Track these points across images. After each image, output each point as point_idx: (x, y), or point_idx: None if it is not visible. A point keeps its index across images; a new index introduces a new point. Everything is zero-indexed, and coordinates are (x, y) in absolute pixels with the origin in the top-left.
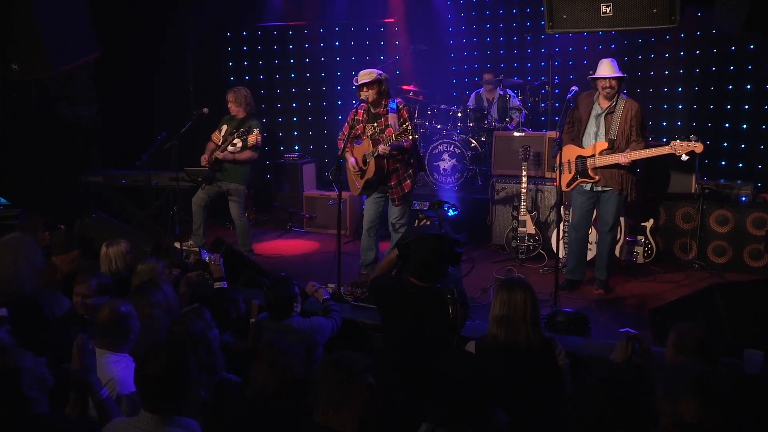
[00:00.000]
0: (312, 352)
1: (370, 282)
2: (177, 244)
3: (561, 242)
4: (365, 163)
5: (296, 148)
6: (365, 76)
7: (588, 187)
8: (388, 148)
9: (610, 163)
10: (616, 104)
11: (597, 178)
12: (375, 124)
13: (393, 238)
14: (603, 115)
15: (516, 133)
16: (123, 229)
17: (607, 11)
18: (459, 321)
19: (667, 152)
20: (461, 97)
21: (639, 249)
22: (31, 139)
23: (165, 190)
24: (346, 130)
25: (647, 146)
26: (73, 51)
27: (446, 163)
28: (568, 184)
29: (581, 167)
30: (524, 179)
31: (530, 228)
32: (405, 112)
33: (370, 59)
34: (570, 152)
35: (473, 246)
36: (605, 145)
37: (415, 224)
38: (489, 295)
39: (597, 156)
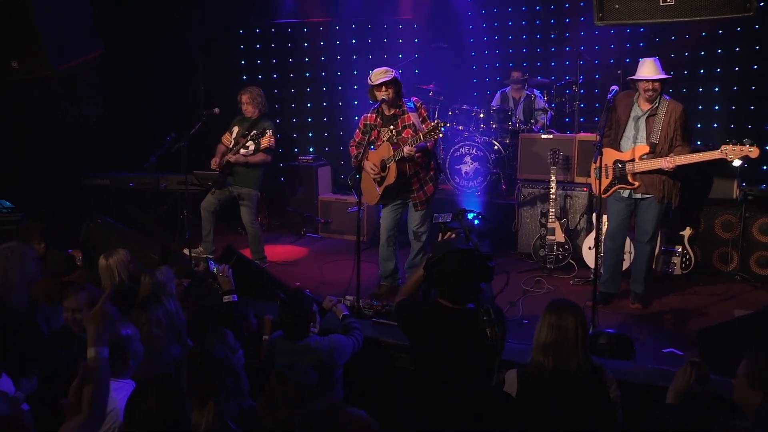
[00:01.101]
0: (330, 373)
1: (395, 306)
2: (186, 251)
3: (593, 252)
4: (384, 168)
5: (311, 150)
6: (382, 74)
7: (626, 193)
8: (414, 149)
9: (651, 168)
10: (658, 106)
11: (636, 184)
12: (391, 126)
13: (414, 246)
14: (644, 117)
15: (543, 136)
16: (129, 235)
17: (669, 0)
18: (499, 344)
19: (717, 157)
20: (481, 97)
21: (676, 260)
22: (33, 140)
23: (173, 194)
24: (357, 136)
25: (693, 151)
26: (75, 48)
27: (468, 167)
28: (605, 191)
29: (619, 172)
30: (553, 184)
31: (559, 236)
32: (423, 111)
33: (388, 58)
34: (607, 156)
35: (497, 254)
36: (646, 149)
37: (439, 239)
38: (518, 309)
39: (637, 161)
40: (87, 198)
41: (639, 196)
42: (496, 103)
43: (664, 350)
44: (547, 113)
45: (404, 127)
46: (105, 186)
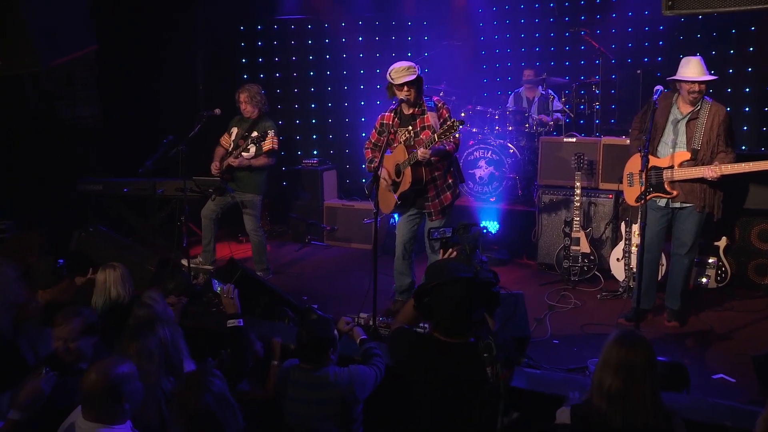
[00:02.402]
0: (350, 410)
1: (390, 334)
2: (184, 262)
3: (621, 263)
4: (399, 174)
5: (315, 153)
6: (405, 72)
7: (662, 202)
8: (429, 152)
9: (692, 176)
10: (699, 109)
11: (675, 193)
12: (409, 127)
13: (431, 258)
14: (684, 121)
15: (566, 139)
16: (124, 245)
17: None
18: (502, 385)
19: None
20: (493, 97)
21: (711, 272)
22: (24, 142)
23: (171, 201)
24: (373, 137)
25: (738, 157)
26: (67, 44)
27: (483, 171)
28: (638, 199)
29: (656, 180)
30: (578, 191)
31: (584, 246)
32: (445, 111)
33: (396, 56)
34: (641, 162)
35: (516, 265)
36: (687, 156)
37: (440, 255)
38: (545, 327)
39: (676, 168)
40: (80, 204)
41: (678, 205)
42: (510, 104)
43: (714, 376)
44: (564, 115)
45: (423, 129)
46: (99, 192)
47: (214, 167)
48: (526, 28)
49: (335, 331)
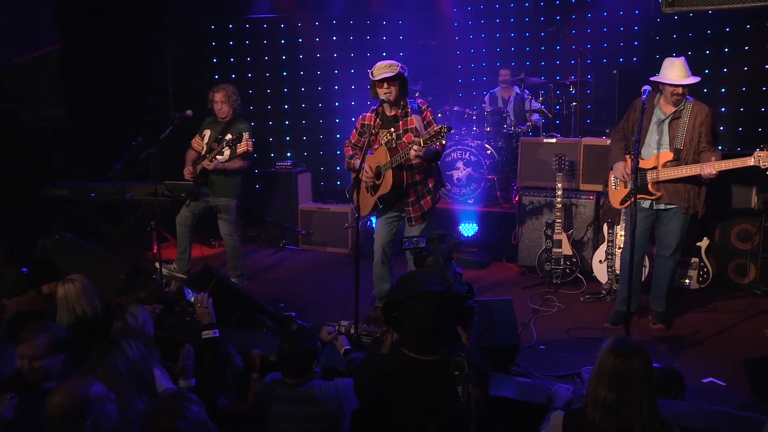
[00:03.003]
0: (337, 426)
1: (359, 362)
2: (156, 268)
3: (603, 265)
4: (379, 176)
5: (288, 155)
6: (385, 69)
7: (647, 204)
8: (423, 152)
9: (681, 176)
10: (682, 109)
11: (659, 194)
12: (391, 129)
13: (411, 264)
14: (667, 121)
15: (546, 140)
16: (92, 252)
17: None
18: (474, 405)
19: (748, 165)
20: (467, 97)
21: (693, 273)
22: None
23: (141, 205)
24: (354, 138)
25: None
26: (28, 42)
27: (461, 173)
28: (622, 201)
29: (640, 181)
30: (559, 192)
31: (566, 249)
32: (429, 114)
33: (371, 56)
34: (625, 164)
35: (496, 268)
36: (670, 156)
37: (419, 261)
38: (531, 332)
39: (660, 169)
40: (45, 210)
41: (662, 206)
42: (485, 104)
43: (704, 380)
44: (543, 114)
45: (405, 131)
46: (65, 197)
47: (187, 171)
48: (501, 28)
49: (318, 342)
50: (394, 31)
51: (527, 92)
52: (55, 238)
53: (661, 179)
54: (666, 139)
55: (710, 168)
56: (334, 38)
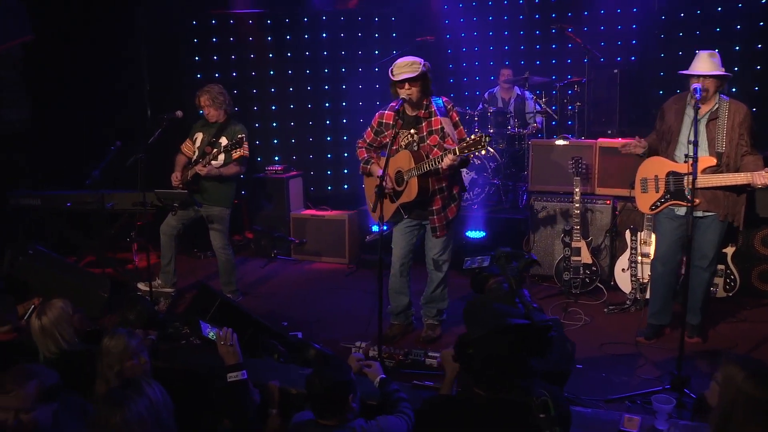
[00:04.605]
0: None
1: (422, 404)
2: (141, 286)
3: (626, 274)
4: (400, 182)
5: (276, 159)
6: (406, 68)
7: (681, 211)
8: (458, 160)
9: (726, 184)
10: (718, 108)
11: (698, 201)
12: (413, 131)
13: (433, 278)
14: (703, 121)
15: (558, 142)
16: (70, 267)
17: None
18: None
19: None
20: (458, 98)
21: (719, 281)
22: None
23: (123, 215)
24: (368, 137)
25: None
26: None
27: (464, 177)
28: (653, 206)
29: (675, 186)
30: (577, 197)
31: (586, 257)
32: (455, 114)
33: (362, 54)
34: (657, 167)
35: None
36: (712, 162)
37: (478, 283)
38: None
39: (701, 175)
40: (13, 220)
41: (700, 214)
42: (484, 105)
43: None
44: (547, 116)
45: (430, 133)
46: (37, 206)
47: (175, 177)
48: (494, 26)
49: (352, 373)
50: (387, 28)
51: (528, 93)
52: (29, 255)
53: (699, 186)
54: (704, 140)
55: (762, 179)
56: (324, 35)
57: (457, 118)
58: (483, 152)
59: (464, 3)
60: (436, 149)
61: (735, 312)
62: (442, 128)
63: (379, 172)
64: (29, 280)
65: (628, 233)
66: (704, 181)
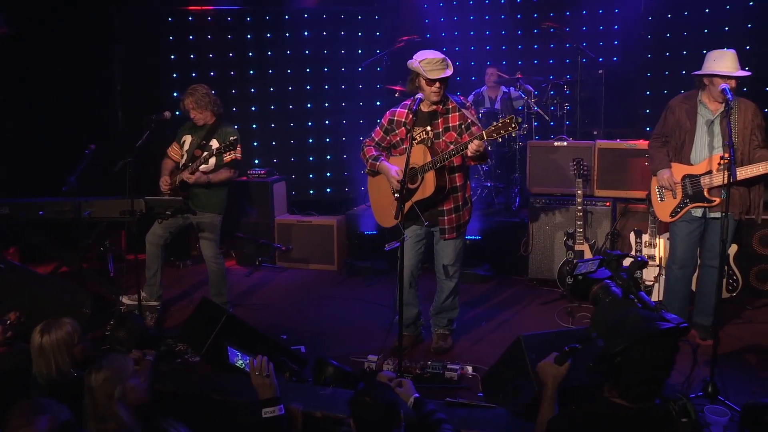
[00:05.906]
0: None
1: (552, 424)
2: (126, 300)
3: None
4: (413, 179)
5: (256, 162)
6: (440, 66)
7: (699, 212)
8: (484, 147)
9: (748, 176)
10: (729, 106)
11: (717, 200)
12: (428, 127)
13: (443, 286)
14: (717, 121)
15: (557, 143)
16: (45, 282)
17: None
18: None
19: None
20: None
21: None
22: None
23: (100, 224)
24: (377, 135)
25: None
26: None
27: None
28: (673, 213)
29: (692, 189)
30: (579, 200)
31: None
32: (473, 110)
33: (346, 53)
34: (672, 172)
35: (502, 282)
36: (726, 156)
37: (581, 290)
38: None
39: (715, 173)
40: None
41: (717, 214)
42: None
43: None
44: (536, 116)
45: (446, 130)
46: (4, 215)
47: (164, 182)
48: (476, 25)
49: (394, 393)
50: (371, 27)
51: (515, 90)
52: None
53: (715, 184)
54: (719, 140)
55: None
56: (306, 33)
57: (475, 116)
58: (514, 134)
59: (444, 2)
60: (452, 146)
61: (738, 312)
62: (460, 124)
63: (393, 169)
64: (3, 297)
65: (632, 235)
66: (719, 178)
